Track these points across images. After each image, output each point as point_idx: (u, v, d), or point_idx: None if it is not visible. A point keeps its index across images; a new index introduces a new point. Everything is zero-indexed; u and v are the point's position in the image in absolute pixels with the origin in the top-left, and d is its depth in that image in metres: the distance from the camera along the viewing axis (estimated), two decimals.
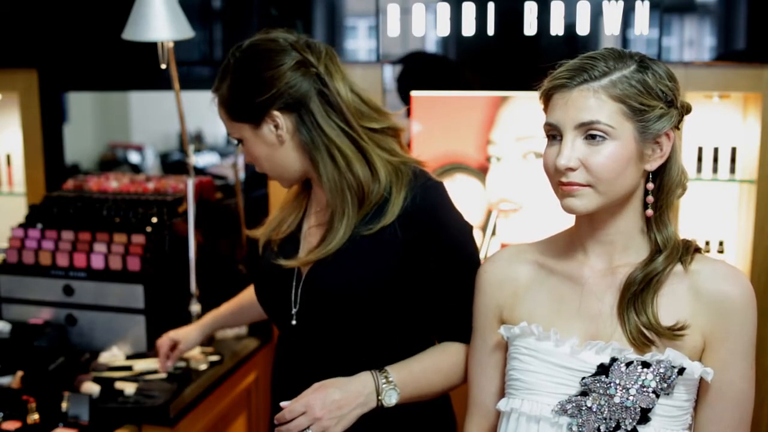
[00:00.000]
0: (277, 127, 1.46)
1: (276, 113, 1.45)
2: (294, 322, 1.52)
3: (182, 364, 2.23)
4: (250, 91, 1.45)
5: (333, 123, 1.46)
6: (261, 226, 1.65)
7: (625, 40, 2.57)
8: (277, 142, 1.48)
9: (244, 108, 1.47)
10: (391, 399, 1.43)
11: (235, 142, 1.55)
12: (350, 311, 1.46)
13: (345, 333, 1.49)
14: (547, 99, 1.24)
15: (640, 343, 1.21)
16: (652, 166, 1.23)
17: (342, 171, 1.46)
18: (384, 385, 1.42)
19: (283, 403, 1.41)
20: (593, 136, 1.17)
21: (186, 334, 2.03)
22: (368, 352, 1.48)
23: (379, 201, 1.47)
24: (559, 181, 1.20)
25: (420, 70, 2.79)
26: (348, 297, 1.46)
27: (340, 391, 1.40)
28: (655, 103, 1.19)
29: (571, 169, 1.18)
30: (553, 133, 1.22)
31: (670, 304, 1.22)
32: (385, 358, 1.48)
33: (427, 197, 1.47)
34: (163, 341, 2.04)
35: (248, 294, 1.94)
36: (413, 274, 1.47)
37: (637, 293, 1.22)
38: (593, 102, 1.17)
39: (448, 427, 1.63)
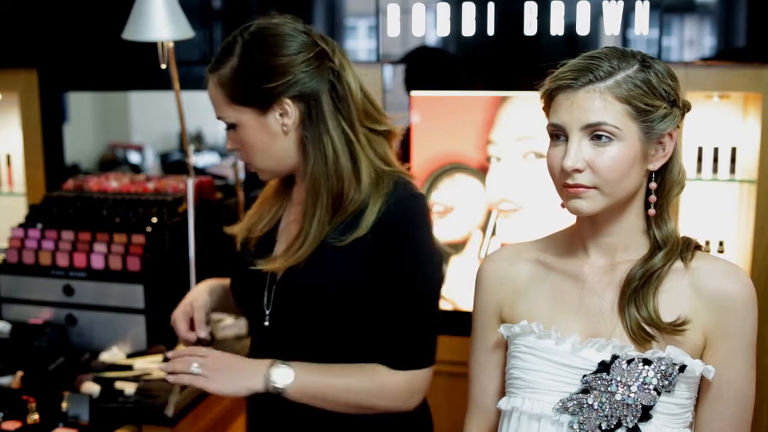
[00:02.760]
0: (284, 115, 1.42)
1: (287, 101, 1.41)
2: (267, 323, 1.51)
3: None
4: (261, 75, 1.40)
5: (337, 121, 1.43)
6: (239, 222, 1.61)
7: (625, 40, 2.57)
8: (281, 132, 1.43)
9: (250, 92, 1.41)
10: (281, 378, 1.41)
11: (225, 127, 1.48)
12: (318, 318, 1.45)
13: (313, 338, 1.47)
14: (549, 99, 1.23)
15: (641, 338, 1.21)
16: (654, 165, 1.23)
17: (329, 172, 1.42)
18: (280, 364, 1.42)
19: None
20: (599, 137, 1.17)
21: (195, 296, 1.72)
22: (336, 358, 1.47)
23: (355, 211, 1.43)
24: (565, 182, 1.20)
25: (420, 70, 2.79)
26: (316, 304, 1.44)
27: (239, 359, 1.44)
28: (659, 103, 1.19)
29: (578, 171, 1.18)
30: (557, 134, 1.22)
31: (671, 300, 1.22)
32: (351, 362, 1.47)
33: (400, 211, 1.42)
34: (178, 316, 1.69)
35: None
36: (376, 288, 1.43)
37: (637, 289, 1.22)
38: (599, 103, 1.17)
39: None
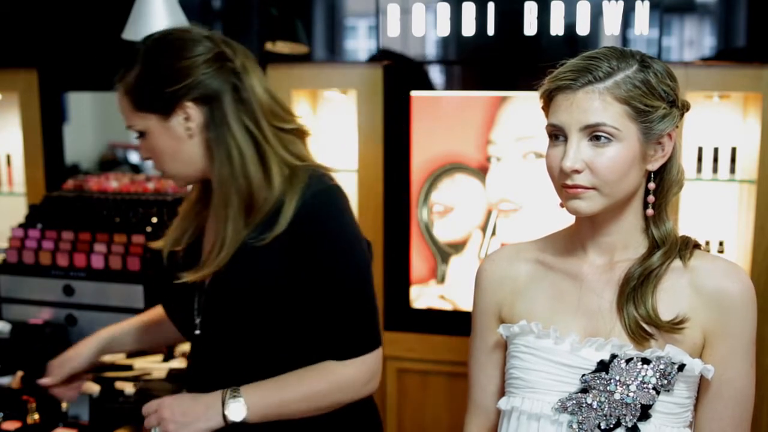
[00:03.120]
0: (188, 119, 1.42)
1: (189, 104, 1.41)
2: (198, 332, 1.50)
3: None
4: (162, 80, 1.40)
5: (241, 122, 1.42)
6: (162, 237, 1.60)
7: (625, 40, 2.58)
8: (186, 136, 1.42)
9: (153, 98, 1.41)
10: (236, 413, 1.40)
11: (136, 134, 1.47)
12: (248, 320, 1.44)
13: (246, 342, 1.46)
14: (548, 99, 1.23)
15: (639, 337, 1.21)
16: (654, 166, 1.23)
17: (235, 173, 1.41)
18: (230, 400, 1.41)
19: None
20: (598, 138, 1.17)
21: (76, 352, 1.75)
22: (269, 364, 1.46)
23: (271, 209, 1.42)
24: (564, 183, 1.20)
25: (420, 70, 2.79)
26: (244, 307, 1.43)
27: (192, 400, 1.43)
28: (658, 103, 1.19)
29: (577, 171, 1.18)
30: (557, 134, 1.21)
31: (670, 299, 1.22)
32: (286, 369, 1.45)
33: (315, 204, 1.42)
34: (55, 368, 1.74)
35: (158, 312, 1.79)
36: (303, 285, 1.42)
37: (636, 288, 1.22)
38: (598, 104, 1.17)
39: (372, 427, 1.61)
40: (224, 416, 1.40)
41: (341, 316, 1.43)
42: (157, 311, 1.77)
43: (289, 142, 1.48)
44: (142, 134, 1.45)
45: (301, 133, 1.52)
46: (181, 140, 1.43)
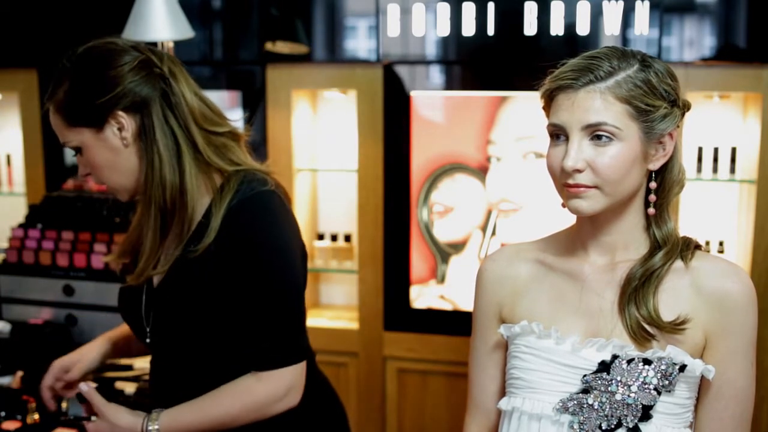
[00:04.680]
0: (121, 129, 1.41)
1: (120, 113, 1.40)
2: (148, 340, 1.52)
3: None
4: (91, 92, 1.40)
5: (168, 128, 1.42)
6: (113, 253, 1.62)
7: (625, 40, 2.58)
8: (121, 146, 1.42)
9: (85, 111, 1.40)
10: None
11: (73, 152, 1.47)
12: (188, 330, 1.45)
13: (189, 351, 1.48)
14: (549, 99, 1.23)
15: (641, 337, 1.21)
16: (655, 165, 1.23)
17: (155, 180, 1.41)
18: (148, 425, 1.43)
19: (81, 385, 1.50)
20: (599, 137, 1.17)
21: (83, 354, 1.74)
22: (215, 370, 1.47)
23: (201, 219, 1.42)
24: (565, 182, 1.20)
25: (420, 70, 2.80)
26: (182, 317, 1.45)
27: (112, 428, 1.45)
28: (659, 103, 1.19)
29: (578, 171, 1.18)
30: (558, 134, 1.21)
31: (671, 299, 1.22)
32: (232, 376, 1.45)
33: (240, 211, 1.40)
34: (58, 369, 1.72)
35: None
36: (232, 293, 1.41)
37: (637, 288, 1.22)
38: (600, 103, 1.17)
39: (336, 417, 1.64)
40: None
41: (262, 326, 1.41)
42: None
43: (223, 147, 1.47)
44: (78, 150, 1.44)
45: (235, 137, 1.50)
46: (117, 151, 1.42)
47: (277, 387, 1.43)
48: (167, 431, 1.44)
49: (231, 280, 1.40)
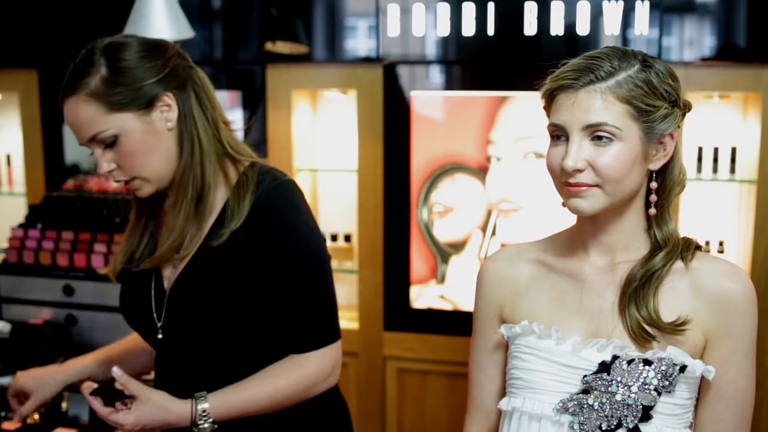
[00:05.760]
0: (166, 110, 1.42)
1: (168, 94, 1.41)
2: (160, 336, 1.50)
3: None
4: (140, 72, 1.39)
5: (202, 113, 1.45)
6: (109, 264, 1.60)
7: (625, 40, 2.58)
8: (165, 129, 1.42)
9: (133, 92, 1.39)
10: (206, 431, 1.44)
11: (92, 150, 1.42)
12: (210, 323, 1.45)
13: (209, 343, 1.47)
14: (550, 99, 1.23)
15: (641, 338, 1.21)
16: (655, 165, 1.23)
17: (194, 163, 1.43)
18: (200, 422, 1.42)
19: (115, 370, 1.43)
20: (600, 137, 1.17)
21: (42, 379, 1.72)
22: (234, 362, 1.47)
23: (223, 206, 1.45)
24: (566, 181, 1.20)
25: (420, 70, 2.80)
26: (206, 309, 1.44)
27: (159, 417, 1.42)
28: (660, 103, 1.19)
29: (579, 171, 1.18)
30: (558, 134, 1.21)
31: (671, 300, 1.22)
32: (250, 370, 1.47)
33: (273, 198, 1.43)
34: (12, 389, 1.73)
35: (132, 340, 1.74)
36: (263, 280, 1.43)
37: (637, 289, 1.22)
38: (600, 103, 1.17)
39: (341, 416, 1.64)
40: (195, 424, 1.43)
41: (301, 309, 1.45)
42: (128, 340, 1.75)
43: (233, 138, 1.50)
44: (112, 140, 1.41)
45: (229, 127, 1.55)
46: (159, 135, 1.42)
47: (324, 365, 1.47)
48: (217, 410, 1.42)
49: (267, 266, 1.43)
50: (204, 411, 1.42)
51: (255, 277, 1.43)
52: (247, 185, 1.44)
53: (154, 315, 1.50)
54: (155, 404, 1.42)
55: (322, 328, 1.47)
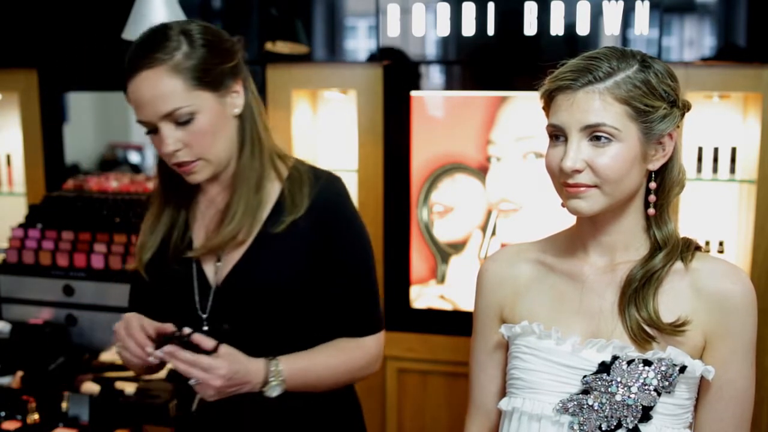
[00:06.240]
0: (235, 96, 1.45)
1: (239, 80, 1.45)
2: (205, 328, 1.49)
3: None
4: (220, 55, 1.42)
5: (258, 107, 1.50)
6: (137, 257, 1.57)
7: (625, 40, 2.58)
8: (232, 114, 1.45)
9: (214, 73, 1.41)
10: (273, 393, 1.44)
11: (170, 124, 1.40)
12: (264, 313, 1.47)
13: (258, 335, 1.48)
14: (549, 99, 1.23)
15: (641, 339, 1.21)
16: (654, 165, 1.23)
17: (254, 153, 1.47)
18: (272, 380, 1.43)
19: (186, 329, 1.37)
20: (598, 138, 1.17)
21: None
22: (282, 352, 1.48)
23: (274, 197, 1.49)
24: (565, 182, 1.20)
25: (420, 70, 2.79)
26: (267, 298, 1.46)
27: (243, 371, 1.40)
28: (659, 103, 1.19)
29: (578, 171, 1.18)
30: (557, 134, 1.21)
31: (671, 301, 1.22)
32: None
33: (331, 192, 1.51)
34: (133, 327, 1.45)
35: None
36: (320, 270, 1.49)
37: (637, 289, 1.22)
38: (599, 104, 1.17)
39: (353, 414, 1.65)
40: (262, 391, 1.43)
41: (358, 296, 1.52)
42: None
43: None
44: (186, 119, 1.40)
45: None
46: (227, 119, 1.45)
47: (377, 349, 1.56)
48: (287, 373, 1.44)
49: (325, 255, 1.49)
50: (277, 371, 1.44)
51: (313, 265, 1.48)
52: (301, 179, 1.50)
53: (198, 307, 1.50)
54: (236, 357, 1.40)
55: (374, 315, 1.55)
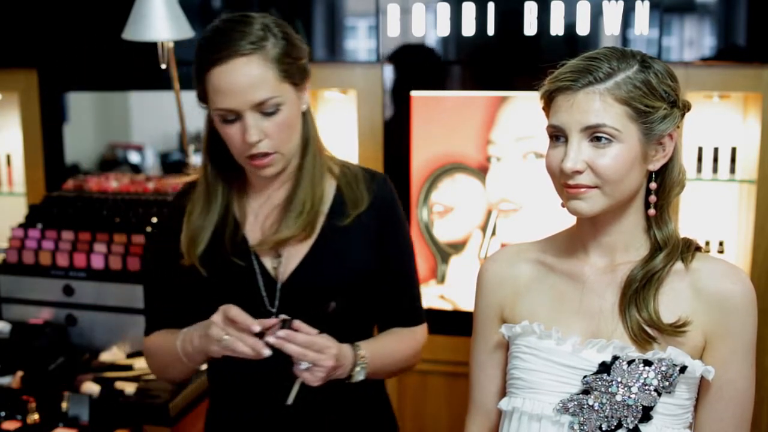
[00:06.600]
0: (306, 92, 1.50)
1: (308, 78, 1.51)
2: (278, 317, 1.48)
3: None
4: (300, 51, 1.48)
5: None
6: (188, 251, 1.51)
7: (625, 40, 2.57)
8: (301, 111, 1.49)
9: (298, 67, 1.46)
10: (359, 377, 1.47)
11: (256, 114, 1.40)
12: (337, 300, 1.48)
13: (324, 327, 1.46)
14: (549, 100, 1.23)
15: (642, 340, 1.21)
16: (655, 166, 1.23)
17: (317, 149, 1.52)
18: (360, 363, 1.46)
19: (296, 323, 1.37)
20: (599, 139, 1.17)
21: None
22: (348, 336, 1.49)
23: (331, 193, 1.53)
24: (565, 183, 1.20)
25: (420, 70, 2.79)
26: (335, 290, 1.49)
27: (342, 353, 1.43)
28: (659, 104, 1.19)
29: (578, 172, 1.18)
30: (557, 135, 1.21)
31: (671, 301, 1.22)
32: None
33: (389, 189, 1.58)
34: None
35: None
36: (379, 260, 1.55)
37: (638, 290, 1.22)
38: (599, 105, 1.17)
39: (387, 412, 1.68)
40: (349, 376, 1.46)
41: (411, 287, 1.61)
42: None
43: None
44: (273, 110, 1.42)
45: None
46: (298, 115, 1.48)
47: (425, 339, 1.63)
48: (370, 356, 1.48)
49: (383, 248, 1.55)
50: (363, 357, 1.47)
51: (374, 256, 1.54)
52: (355, 176, 1.55)
53: (266, 300, 1.50)
54: (336, 342, 1.42)
55: (421, 307, 1.63)
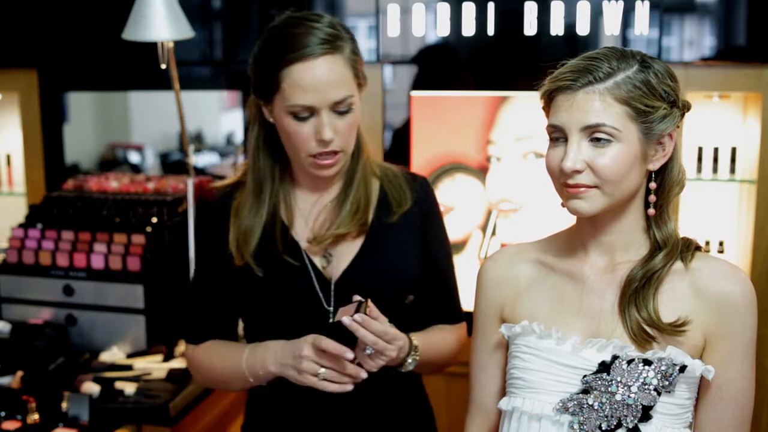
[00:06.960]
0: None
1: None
2: (332, 320, 1.47)
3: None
4: (360, 52, 1.50)
5: None
6: (240, 250, 1.51)
7: (625, 40, 2.57)
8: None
9: (361, 70, 1.49)
10: (409, 367, 1.48)
11: (332, 113, 1.43)
12: (386, 300, 1.46)
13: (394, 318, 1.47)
14: (549, 99, 1.23)
15: (641, 339, 1.21)
16: (654, 165, 1.23)
17: (366, 150, 1.56)
18: (413, 354, 1.47)
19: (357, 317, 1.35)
20: (598, 139, 1.17)
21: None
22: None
23: (376, 192, 1.55)
24: (565, 182, 1.20)
25: (420, 70, 2.79)
26: (388, 287, 1.52)
27: (402, 339, 1.44)
28: (659, 104, 1.19)
29: (578, 172, 1.18)
30: (557, 135, 1.21)
31: (671, 301, 1.22)
32: None
33: (430, 190, 1.61)
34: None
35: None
36: (422, 259, 1.57)
37: (637, 290, 1.22)
38: (599, 104, 1.17)
39: (426, 410, 1.71)
40: (401, 365, 1.47)
41: (452, 285, 1.65)
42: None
43: None
44: (346, 110, 1.44)
45: None
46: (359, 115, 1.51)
47: (464, 336, 1.63)
48: (421, 348, 1.49)
49: (430, 246, 1.59)
50: (416, 347, 1.48)
51: (420, 253, 1.57)
52: (396, 176, 1.59)
53: (322, 298, 1.50)
54: (402, 334, 1.44)
55: (460, 305, 1.66)
